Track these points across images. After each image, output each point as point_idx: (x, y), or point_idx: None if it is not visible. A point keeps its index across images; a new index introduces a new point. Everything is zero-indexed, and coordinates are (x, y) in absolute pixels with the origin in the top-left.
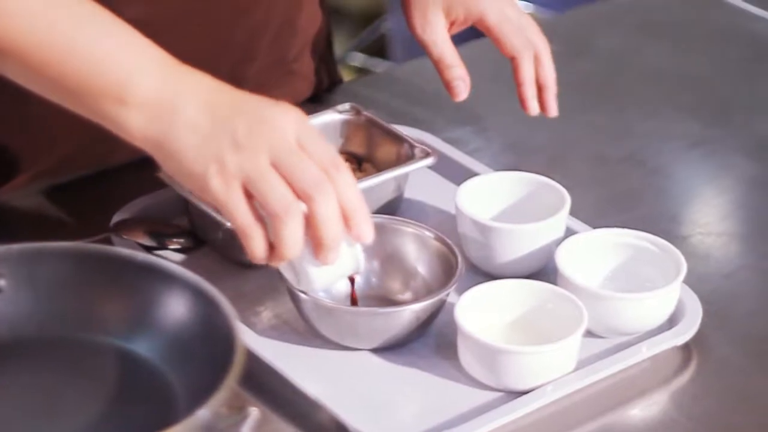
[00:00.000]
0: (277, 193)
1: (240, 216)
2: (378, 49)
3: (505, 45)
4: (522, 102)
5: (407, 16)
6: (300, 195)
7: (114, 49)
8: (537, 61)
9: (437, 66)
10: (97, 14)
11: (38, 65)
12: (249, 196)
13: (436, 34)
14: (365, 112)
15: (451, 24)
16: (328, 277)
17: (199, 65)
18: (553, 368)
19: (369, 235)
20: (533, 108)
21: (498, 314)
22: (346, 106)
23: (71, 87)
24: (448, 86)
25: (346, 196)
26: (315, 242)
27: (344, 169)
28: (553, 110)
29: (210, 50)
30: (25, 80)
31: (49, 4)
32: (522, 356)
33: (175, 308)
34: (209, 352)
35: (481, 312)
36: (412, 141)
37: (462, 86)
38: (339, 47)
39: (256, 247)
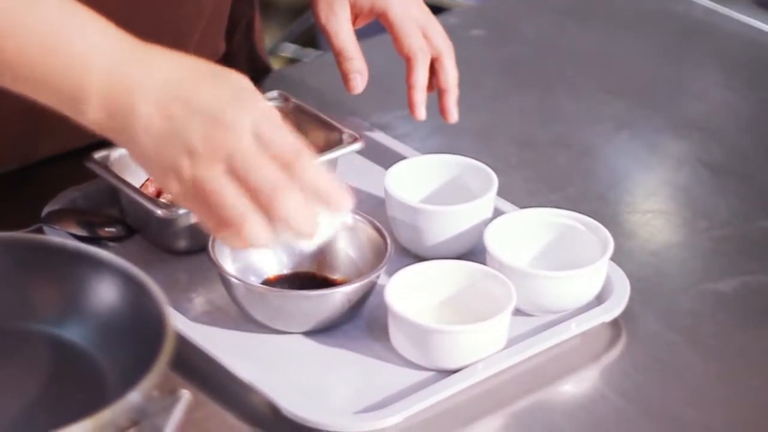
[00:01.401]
0: (231, 203)
1: (204, 222)
2: (309, 39)
3: (402, 44)
4: (410, 106)
5: (313, 5)
6: (262, 200)
7: (69, 41)
8: (439, 64)
9: (337, 57)
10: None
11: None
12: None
13: (340, 25)
14: (293, 99)
15: (356, 17)
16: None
17: None
18: (483, 347)
19: (347, 204)
20: (420, 113)
21: (428, 295)
22: (275, 93)
23: (27, 77)
24: (345, 78)
25: (312, 182)
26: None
27: (304, 155)
28: (452, 116)
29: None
30: None
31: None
32: (453, 335)
33: (106, 294)
34: (140, 336)
35: (411, 293)
36: (340, 127)
37: (359, 79)
38: (270, 38)
39: (226, 240)
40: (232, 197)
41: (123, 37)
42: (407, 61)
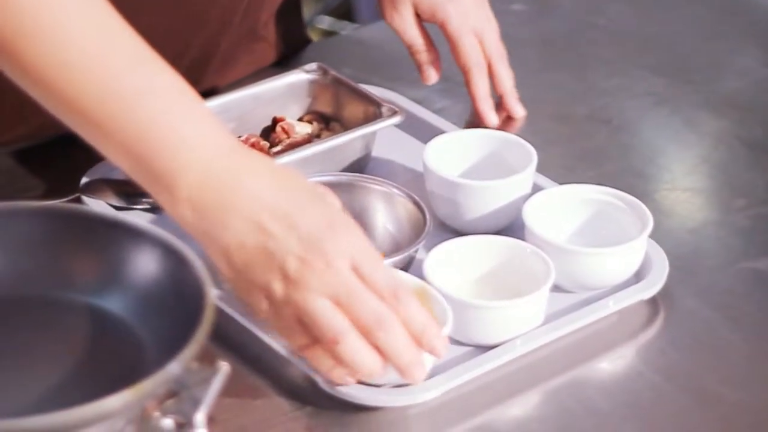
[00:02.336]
0: (327, 321)
1: (292, 338)
2: (345, 11)
3: (459, 56)
4: (480, 117)
5: (379, 4)
6: (365, 331)
7: (167, 134)
8: (492, 70)
9: (409, 51)
10: (170, 86)
11: (99, 129)
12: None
13: (405, 23)
14: (332, 72)
15: (419, 17)
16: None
17: (174, 40)
18: (521, 323)
19: (442, 351)
20: (491, 121)
21: (466, 270)
22: (313, 66)
23: (126, 160)
24: (419, 70)
25: (413, 322)
26: (396, 370)
27: (405, 294)
28: (518, 113)
29: (186, 26)
30: (79, 131)
31: (120, 73)
32: (490, 311)
33: (145, 265)
34: (179, 308)
35: (449, 268)
36: (379, 100)
37: (431, 72)
38: (306, 10)
39: (322, 365)
40: (329, 315)
41: (219, 134)
42: (464, 74)
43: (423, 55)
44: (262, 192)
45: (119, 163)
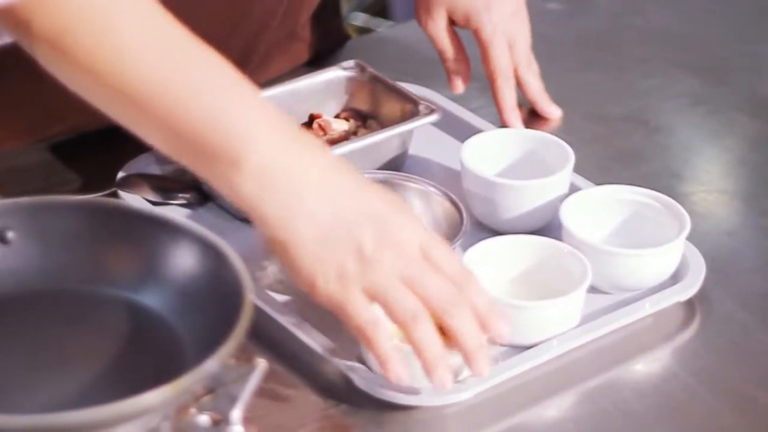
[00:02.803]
0: (403, 303)
1: (359, 317)
2: (379, 9)
3: (488, 64)
4: (507, 125)
5: (415, 8)
6: (436, 311)
7: (234, 109)
8: (519, 79)
9: (440, 57)
10: (222, 72)
11: (157, 115)
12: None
13: (438, 29)
14: (370, 69)
15: (453, 23)
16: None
17: (215, 42)
18: (557, 323)
19: (506, 335)
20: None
21: (503, 269)
22: (351, 63)
23: (185, 139)
24: (447, 77)
25: (480, 305)
26: (463, 354)
27: (472, 278)
28: (554, 114)
29: (227, 27)
30: (134, 126)
31: (174, 55)
32: (527, 311)
33: (184, 261)
34: (217, 304)
35: (486, 267)
36: (416, 98)
37: (458, 82)
38: (346, 6)
39: (382, 347)
40: (404, 296)
41: (283, 122)
42: (491, 83)
43: (452, 64)
44: (331, 175)
45: (172, 146)
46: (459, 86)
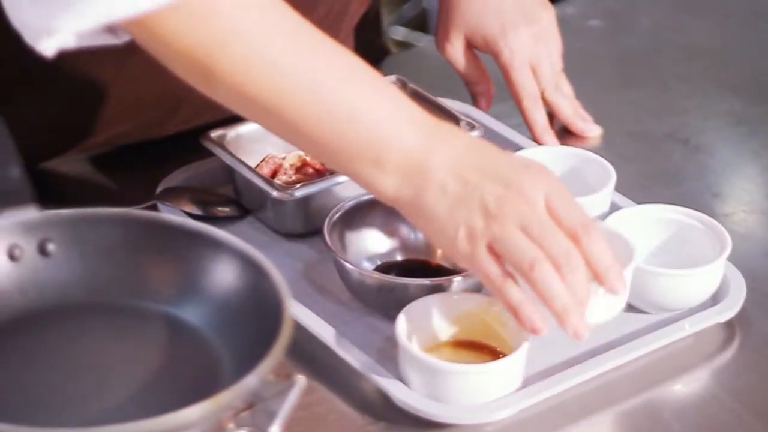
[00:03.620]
0: (524, 248)
1: (488, 269)
2: (419, 23)
3: (511, 88)
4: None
5: (435, 29)
6: (551, 263)
7: (373, 110)
8: (548, 103)
9: (463, 80)
10: (356, 69)
11: (295, 121)
12: (496, 256)
13: (458, 54)
14: (411, 84)
15: (474, 47)
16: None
17: None
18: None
19: (622, 289)
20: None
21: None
22: (392, 78)
23: (325, 143)
24: (472, 98)
25: (596, 258)
26: (559, 309)
27: (593, 230)
28: (592, 131)
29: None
30: (272, 129)
31: (314, 62)
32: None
33: (224, 275)
34: (257, 320)
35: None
36: (457, 114)
37: (482, 103)
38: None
39: (514, 296)
40: (525, 243)
41: (424, 117)
42: (519, 106)
43: (474, 87)
44: (460, 149)
45: (315, 148)
46: (483, 107)
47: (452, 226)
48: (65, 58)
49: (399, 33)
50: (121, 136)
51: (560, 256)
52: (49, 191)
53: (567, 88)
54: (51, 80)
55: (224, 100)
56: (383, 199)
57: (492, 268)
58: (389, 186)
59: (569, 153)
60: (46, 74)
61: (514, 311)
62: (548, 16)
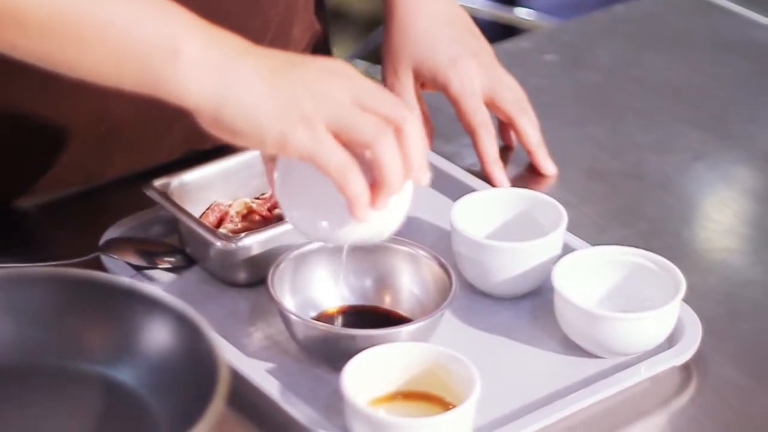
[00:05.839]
0: (368, 121)
1: (335, 157)
2: (380, 56)
3: (462, 118)
4: (490, 180)
5: (382, 67)
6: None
7: (155, 13)
8: (514, 127)
9: None
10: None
11: (81, 29)
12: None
13: (404, 90)
14: None
15: (422, 84)
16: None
17: None
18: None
19: (426, 180)
20: (501, 183)
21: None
22: None
23: (115, 54)
24: None
25: (410, 144)
26: (374, 185)
27: (409, 115)
28: (548, 170)
29: None
30: (55, 55)
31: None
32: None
33: (158, 335)
34: (192, 380)
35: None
36: None
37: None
38: (341, 53)
39: (357, 186)
40: (366, 115)
41: (213, 27)
42: (471, 136)
43: None
44: (266, 52)
45: (112, 66)
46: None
47: (279, 114)
48: None
49: (359, 66)
50: (61, 180)
51: (398, 120)
52: None
53: (532, 115)
54: None
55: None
56: (188, 102)
57: (335, 158)
58: (191, 81)
59: (521, 195)
60: None
61: (352, 204)
62: (489, 50)
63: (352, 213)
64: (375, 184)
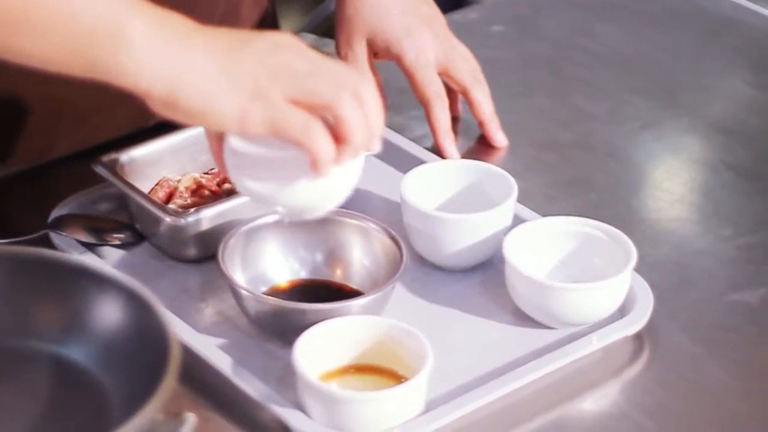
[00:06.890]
0: (325, 84)
1: (296, 119)
2: (328, 29)
3: (415, 89)
4: (440, 151)
5: (336, 36)
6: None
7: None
8: (469, 99)
9: None
10: None
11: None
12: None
13: (359, 61)
14: None
15: (375, 53)
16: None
17: None
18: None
19: (377, 146)
20: (451, 155)
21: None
22: None
23: (63, 43)
24: None
25: (365, 107)
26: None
27: (363, 81)
28: (499, 142)
29: None
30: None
31: None
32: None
33: (109, 312)
34: (144, 357)
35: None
36: None
37: None
38: (288, 27)
39: (321, 139)
40: (322, 85)
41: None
42: (424, 107)
43: None
44: (214, 31)
45: (56, 57)
46: None
47: (236, 91)
48: None
49: (307, 39)
50: (8, 158)
51: (354, 84)
52: None
53: (486, 87)
54: None
55: None
56: (138, 85)
57: (296, 122)
58: (143, 62)
59: (470, 166)
60: None
61: (317, 164)
62: (442, 18)
63: (315, 168)
64: (337, 142)
